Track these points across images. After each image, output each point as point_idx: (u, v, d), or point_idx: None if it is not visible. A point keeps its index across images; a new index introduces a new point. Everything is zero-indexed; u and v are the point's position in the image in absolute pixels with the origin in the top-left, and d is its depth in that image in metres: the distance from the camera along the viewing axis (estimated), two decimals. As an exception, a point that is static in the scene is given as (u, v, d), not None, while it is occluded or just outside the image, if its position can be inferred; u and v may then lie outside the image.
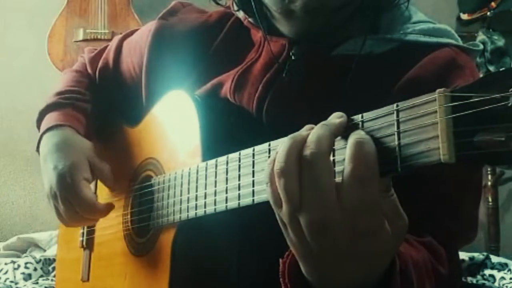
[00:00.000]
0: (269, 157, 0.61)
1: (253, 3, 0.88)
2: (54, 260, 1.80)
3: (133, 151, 1.01)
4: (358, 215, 0.51)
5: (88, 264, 1.06)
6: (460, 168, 0.65)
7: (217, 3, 0.98)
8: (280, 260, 0.60)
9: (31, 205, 2.62)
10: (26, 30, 2.65)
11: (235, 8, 0.95)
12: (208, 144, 0.80)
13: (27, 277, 1.75)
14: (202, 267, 0.81)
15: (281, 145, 0.53)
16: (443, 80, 0.78)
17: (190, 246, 0.82)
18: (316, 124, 0.54)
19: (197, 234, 0.81)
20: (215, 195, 0.71)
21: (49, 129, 1.04)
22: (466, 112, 0.43)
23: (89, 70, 1.17)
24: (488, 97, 0.42)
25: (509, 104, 0.41)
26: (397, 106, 0.49)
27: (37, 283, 1.70)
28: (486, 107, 0.42)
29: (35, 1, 2.66)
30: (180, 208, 0.80)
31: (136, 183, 0.96)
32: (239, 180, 0.66)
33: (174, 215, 0.81)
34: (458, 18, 2.87)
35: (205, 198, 0.73)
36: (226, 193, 0.68)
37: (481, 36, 2.69)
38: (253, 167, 0.63)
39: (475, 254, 1.85)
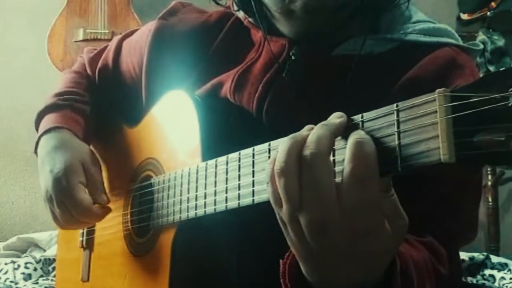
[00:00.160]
0: (269, 157, 0.61)
1: (253, 3, 0.87)
2: (54, 260, 1.80)
3: (132, 151, 1.01)
4: (358, 215, 0.51)
5: (88, 264, 1.06)
6: (460, 168, 0.65)
7: (217, 3, 0.98)
8: (281, 261, 0.60)
9: (31, 205, 2.62)
10: (26, 30, 2.65)
11: (235, 8, 0.95)
12: (208, 144, 0.80)
13: (27, 277, 1.75)
14: (202, 267, 0.81)
15: (281, 145, 0.53)
16: (443, 80, 0.78)
17: (190, 246, 0.82)
18: (316, 124, 0.54)
19: (197, 234, 0.81)
20: (215, 195, 0.71)
21: (47, 131, 1.04)
22: (466, 112, 0.43)
23: (89, 71, 1.16)
24: (488, 97, 0.42)
25: (509, 104, 0.41)
26: (397, 106, 0.49)
27: (37, 283, 1.70)
28: (486, 107, 0.42)
29: (35, 1, 2.66)
30: (180, 208, 0.80)
31: (136, 183, 0.96)
32: (239, 180, 0.66)
33: (174, 215, 0.81)
34: (458, 18, 2.87)
35: (205, 198, 0.73)
36: (226, 193, 0.68)
37: (481, 36, 2.69)
38: (253, 167, 0.63)
39: (475, 254, 1.85)
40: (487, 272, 1.78)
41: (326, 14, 0.82)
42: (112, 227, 1.00)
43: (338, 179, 0.51)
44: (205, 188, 0.73)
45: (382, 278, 0.57)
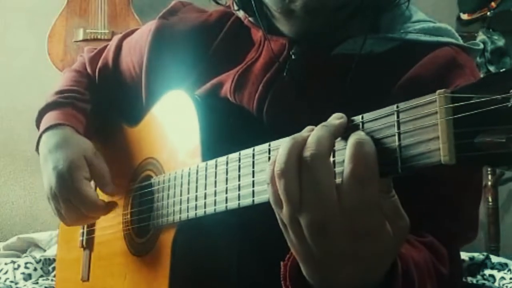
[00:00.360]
0: (269, 157, 0.61)
1: (253, 3, 0.87)
2: (54, 260, 1.80)
3: (132, 151, 1.01)
4: (358, 216, 0.51)
5: (88, 264, 1.06)
6: (460, 169, 0.65)
7: (217, 3, 0.98)
8: (281, 263, 0.60)
9: (31, 205, 2.62)
10: (26, 30, 2.64)
11: (235, 7, 0.95)
12: (208, 144, 0.80)
13: (27, 277, 1.75)
14: (202, 267, 0.81)
15: (281, 146, 0.53)
16: (443, 79, 0.78)
17: (190, 246, 0.82)
18: (316, 124, 0.54)
19: (197, 234, 0.81)
20: (215, 196, 0.71)
21: (48, 128, 1.04)
22: (466, 113, 0.43)
23: (89, 70, 1.16)
24: (488, 98, 0.42)
25: (510, 105, 0.41)
26: (398, 107, 0.49)
27: (37, 283, 1.70)
28: (487, 108, 0.42)
29: (35, 1, 2.66)
30: (180, 208, 0.80)
31: (136, 183, 0.96)
32: (239, 180, 0.66)
33: (174, 215, 0.81)
34: (458, 18, 2.87)
35: (205, 198, 0.73)
36: (226, 193, 0.68)
37: (481, 36, 2.68)
38: (253, 167, 0.63)
39: (475, 254, 1.85)
40: (487, 272, 1.78)
41: (326, 14, 0.82)
42: (112, 227, 1.00)
43: (338, 180, 0.51)
44: (205, 188, 0.73)
45: (383, 279, 0.57)
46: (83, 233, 1.09)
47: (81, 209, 0.94)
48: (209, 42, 0.97)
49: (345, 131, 0.53)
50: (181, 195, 0.80)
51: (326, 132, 0.52)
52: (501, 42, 2.67)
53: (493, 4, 2.71)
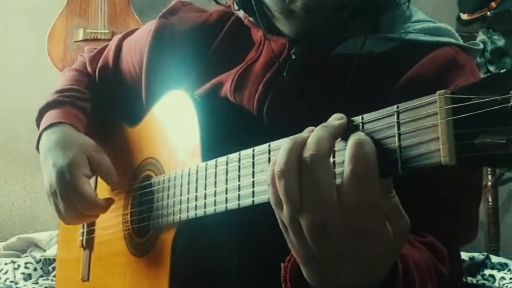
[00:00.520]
0: (269, 157, 0.61)
1: (253, 3, 0.87)
2: (54, 260, 1.80)
3: (133, 150, 1.01)
4: (358, 216, 0.51)
5: (88, 264, 1.06)
6: (460, 169, 0.65)
7: (218, 3, 0.98)
8: (282, 264, 0.60)
9: (31, 205, 2.62)
10: (26, 30, 2.64)
11: (236, 7, 0.95)
12: (208, 144, 0.80)
13: (27, 277, 1.75)
14: (202, 267, 0.81)
15: (282, 147, 0.53)
16: (443, 79, 0.78)
17: (190, 246, 0.82)
18: (316, 124, 0.54)
19: (197, 234, 0.81)
20: (215, 196, 0.71)
21: (48, 126, 1.04)
22: (466, 114, 0.43)
23: (89, 69, 1.16)
24: (488, 99, 0.42)
25: (510, 106, 0.41)
26: (398, 107, 0.49)
27: (37, 283, 1.70)
28: (487, 109, 0.42)
29: (35, 1, 2.66)
30: (180, 208, 0.80)
31: (136, 183, 0.96)
32: (239, 180, 0.66)
33: (174, 215, 0.81)
34: (458, 18, 2.87)
35: (205, 198, 0.73)
36: (226, 193, 0.68)
37: (481, 36, 2.68)
38: (253, 167, 0.63)
39: (475, 254, 1.85)
40: (487, 272, 1.78)
41: (326, 14, 0.82)
42: (112, 226, 1.00)
43: (338, 180, 0.51)
44: (205, 189, 0.73)
45: (384, 280, 0.56)
46: (83, 233, 1.09)
47: (78, 206, 0.94)
48: (209, 42, 0.97)
49: (345, 132, 0.53)
50: (181, 195, 0.80)
51: (325, 132, 0.52)
52: (501, 42, 2.67)
53: (493, 4, 2.71)
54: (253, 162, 0.63)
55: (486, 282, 1.74)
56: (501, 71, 0.43)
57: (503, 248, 2.61)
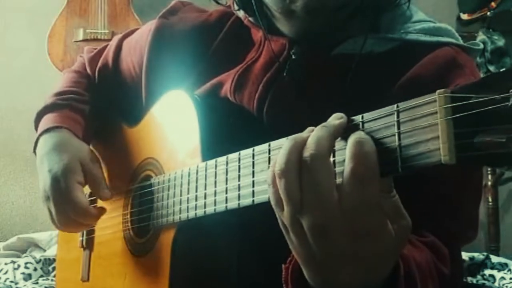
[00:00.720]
0: (269, 157, 0.61)
1: (253, 3, 0.87)
2: (54, 260, 1.80)
3: (132, 150, 1.01)
4: (358, 216, 0.50)
5: (88, 264, 1.06)
6: (460, 168, 0.65)
7: (218, 3, 0.98)
8: (283, 265, 0.60)
9: (31, 205, 2.62)
10: (26, 30, 2.65)
11: (236, 7, 0.95)
12: (208, 144, 0.80)
13: (27, 277, 1.75)
14: (202, 267, 0.81)
15: (282, 147, 0.53)
16: (443, 79, 0.78)
17: (190, 246, 0.82)
18: (316, 123, 0.54)
19: (197, 234, 0.81)
20: (215, 196, 0.71)
21: (46, 130, 1.04)
22: (466, 113, 0.43)
23: (89, 70, 1.16)
24: (488, 98, 0.42)
25: (509, 105, 0.41)
26: (398, 107, 0.49)
27: (37, 283, 1.70)
28: (487, 108, 0.42)
29: (35, 1, 2.66)
30: (180, 208, 0.80)
31: (136, 183, 0.96)
32: (239, 180, 0.66)
33: (174, 215, 0.81)
34: (458, 18, 2.87)
35: (205, 198, 0.73)
36: (226, 193, 0.68)
37: (481, 36, 2.69)
38: (253, 167, 0.63)
39: (475, 254, 1.85)
40: (487, 272, 1.78)
41: (326, 14, 0.82)
42: (112, 227, 1.00)
43: (338, 179, 0.51)
44: (205, 189, 0.73)
45: (385, 281, 0.56)
46: (83, 233, 1.09)
47: (70, 214, 0.94)
48: (209, 42, 0.97)
49: (345, 131, 0.52)
50: (181, 195, 0.80)
51: (325, 132, 0.52)
52: (501, 42, 2.67)
53: (493, 4, 2.71)
54: (253, 162, 0.63)
55: (486, 282, 1.74)
56: (501, 70, 0.43)
57: (503, 248, 2.61)
